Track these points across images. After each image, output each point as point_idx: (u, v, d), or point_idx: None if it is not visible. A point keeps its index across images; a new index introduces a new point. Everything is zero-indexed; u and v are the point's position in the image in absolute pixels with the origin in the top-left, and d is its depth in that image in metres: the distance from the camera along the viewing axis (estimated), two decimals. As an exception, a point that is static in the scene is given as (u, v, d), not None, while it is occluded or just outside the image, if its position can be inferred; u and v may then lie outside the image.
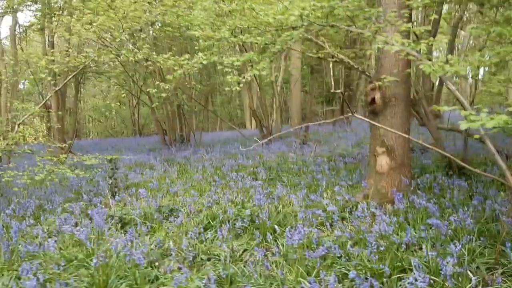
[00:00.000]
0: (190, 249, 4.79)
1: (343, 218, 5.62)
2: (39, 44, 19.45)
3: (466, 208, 4.93)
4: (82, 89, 29.76)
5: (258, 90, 18.27)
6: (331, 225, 5.20)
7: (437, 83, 13.91)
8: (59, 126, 14.67)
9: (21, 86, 27.81)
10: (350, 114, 4.62)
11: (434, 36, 9.00)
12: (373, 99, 6.40)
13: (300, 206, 5.85)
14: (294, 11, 4.84)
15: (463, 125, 3.15)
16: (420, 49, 4.59)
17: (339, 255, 4.17)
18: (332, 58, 8.79)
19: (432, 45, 4.95)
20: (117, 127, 34.71)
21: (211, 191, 7.12)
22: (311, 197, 6.22)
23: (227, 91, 33.40)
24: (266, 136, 16.91)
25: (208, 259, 4.62)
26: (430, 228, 4.35)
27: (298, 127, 11.53)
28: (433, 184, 6.08)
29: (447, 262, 3.37)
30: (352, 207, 6.00)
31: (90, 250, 4.51)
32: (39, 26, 15.04)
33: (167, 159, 12.22)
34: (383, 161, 6.39)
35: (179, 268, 4.37)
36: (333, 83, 7.66)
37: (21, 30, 20.80)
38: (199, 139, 17.51)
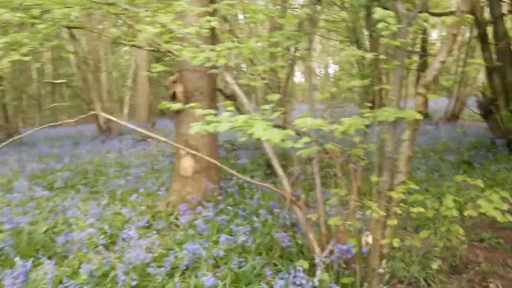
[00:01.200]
0: None
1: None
2: None
3: (257, 218, 4.39)
4: None
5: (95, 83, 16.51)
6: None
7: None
8: None
9: None
10: (94, 112, 3.69)
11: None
12: (175, 94, 5.61)
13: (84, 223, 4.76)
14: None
15: (193, 128, 2.43)
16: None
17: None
18: (150, 46, 7.82)
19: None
20: None
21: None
22: (99, 210, 5.17)
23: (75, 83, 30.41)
24: (107, 133, 15.38)
25: None
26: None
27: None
28: (235, 189, 5.50)
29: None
30: (153, 217, 5.15)
31: None
32: None
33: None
34: (187, 164, 5.64)
35: None
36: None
37: None
38: (27, 136, 15.10)
